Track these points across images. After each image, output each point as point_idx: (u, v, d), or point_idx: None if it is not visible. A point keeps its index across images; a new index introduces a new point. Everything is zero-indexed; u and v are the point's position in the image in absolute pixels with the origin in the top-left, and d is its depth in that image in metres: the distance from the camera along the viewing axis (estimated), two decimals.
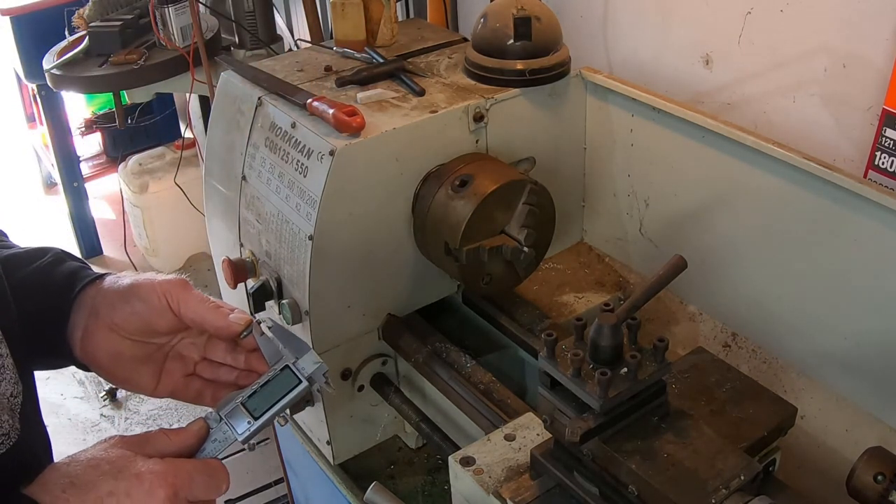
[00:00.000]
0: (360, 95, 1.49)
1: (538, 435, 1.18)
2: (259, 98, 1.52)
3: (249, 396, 0.97)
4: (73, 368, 1.09)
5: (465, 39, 1.70)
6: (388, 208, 1.43)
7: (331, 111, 1.37)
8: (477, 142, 1.49)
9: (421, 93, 1.50)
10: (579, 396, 1.00)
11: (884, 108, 1.42)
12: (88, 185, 4.13)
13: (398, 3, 2.08)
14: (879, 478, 1.00)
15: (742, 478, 0.96)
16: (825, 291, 1.35)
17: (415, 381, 1.55)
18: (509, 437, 1.20)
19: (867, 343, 1.31)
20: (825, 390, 1.40)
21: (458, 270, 1.40)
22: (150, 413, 3.32)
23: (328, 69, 1.63)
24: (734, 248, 1.49)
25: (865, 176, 1.47)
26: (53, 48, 2.71)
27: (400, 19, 1.84)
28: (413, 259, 1.50)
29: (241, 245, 1.61)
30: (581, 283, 1.71)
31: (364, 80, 1.55)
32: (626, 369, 0.99)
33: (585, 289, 1.70)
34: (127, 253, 3.80)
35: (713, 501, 0.93)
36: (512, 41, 1.51)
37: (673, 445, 1.00)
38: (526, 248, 1.39)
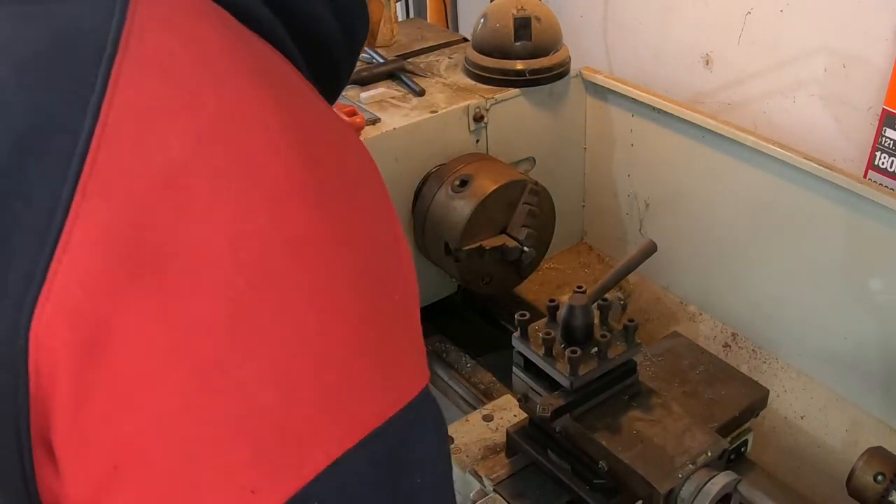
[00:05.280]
0: (361, 95, 1.49)
1: (515, 416, 1.19)
2: None
3: None
4: None
5: (465, 39, 1.70)
6: None
7: None
8: (477, 142, 1.49)
9: (421, 93, 1.50)
10: (550, 375, 1.02)
11: (884, 108, 1.42)
12: None
13: (398, 3, 2.08)
14: (879, 478, 1.01)
15: (709, 454, 0.98)
16: (825, 291, 1.35)
17: None
18: (487, 418, 1.21)
19: (867, 343, 1.31)
20: (825, 390, 1.40)
21: (458, 270, 1.40)
22: None
23: None
24: (734, 249, 1.49)
25: (865, 176, 1.47)
26: None
27: (400, 19, 1.84)
28: (413, 259, 1.49)
29: None
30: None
31: (364, 80, 1.55)
32: (596, 349, 1.02)
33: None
34: None
35: (680, 476, 0.96)
36: (512, 41, 1.51)
37: (642, 423, 1.03)
38: (526, 248, 1.39)
